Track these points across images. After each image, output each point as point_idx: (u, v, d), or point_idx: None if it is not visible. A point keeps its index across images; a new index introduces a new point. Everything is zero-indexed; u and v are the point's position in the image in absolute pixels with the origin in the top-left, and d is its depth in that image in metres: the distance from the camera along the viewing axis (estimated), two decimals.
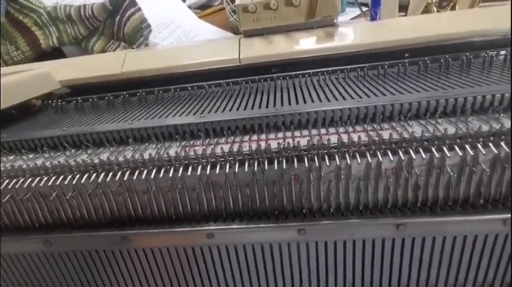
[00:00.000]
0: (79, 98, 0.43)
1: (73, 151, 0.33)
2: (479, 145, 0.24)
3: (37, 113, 0.43)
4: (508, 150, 0.24)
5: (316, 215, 0.28)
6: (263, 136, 0.31)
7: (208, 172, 0.27)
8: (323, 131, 0.30)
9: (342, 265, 0.29)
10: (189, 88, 0.43)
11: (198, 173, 0.27)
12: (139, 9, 0.76)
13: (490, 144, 0.24)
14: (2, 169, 0.29)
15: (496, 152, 0.24)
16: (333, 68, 0.44)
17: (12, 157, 0.33)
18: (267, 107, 0.34)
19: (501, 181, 0.25)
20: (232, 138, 0.31)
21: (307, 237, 0.27)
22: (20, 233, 0.30)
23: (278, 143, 0.27)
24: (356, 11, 0.73)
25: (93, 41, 0.78)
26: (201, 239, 0.28)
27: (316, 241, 0.28)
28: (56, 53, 0.78)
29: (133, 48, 0.73)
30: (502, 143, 0.24)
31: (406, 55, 0.44)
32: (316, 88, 0.39)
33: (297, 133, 0.30)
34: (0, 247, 0.31)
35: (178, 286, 0.32)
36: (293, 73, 0.45)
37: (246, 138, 0.30)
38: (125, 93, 0.44)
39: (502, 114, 0.27)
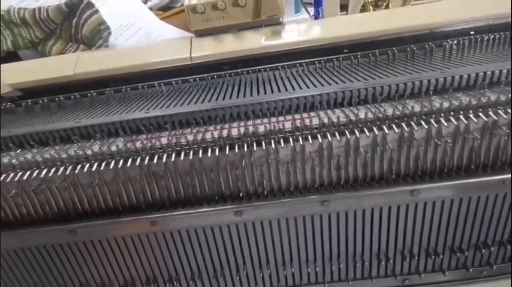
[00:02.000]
0: (29, 100, 0.44)
1: (18, 151, 0.34)
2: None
3: None
4: None
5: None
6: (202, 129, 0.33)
7: (147, 163, 0.29)
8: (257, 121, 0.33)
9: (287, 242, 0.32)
10: (140, 87, 0.45)
11: (138, 164, 0.29)
12: (96, 11, 0.76)
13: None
14: None
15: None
16: (279, 64, 0.47)
17: None
18: (216, 101, 0.36)
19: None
20: (174, 131, 0.33)
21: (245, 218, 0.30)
22: None
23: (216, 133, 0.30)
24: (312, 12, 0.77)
25: (50, 44, 0.78)
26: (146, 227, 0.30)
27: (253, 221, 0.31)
28: (11, 58, 0.76)
29: (92, 50, 0.73)
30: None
31: (345, 50, 0.48)
32: (265, 82, 0.41)
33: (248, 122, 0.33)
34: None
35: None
36: (243, 70, 0.47)
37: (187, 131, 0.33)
38: (76, 94, 0.45)
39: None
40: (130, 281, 0.34)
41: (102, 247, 0.32)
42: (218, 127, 0.33)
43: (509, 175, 0.28)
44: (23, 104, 0.44)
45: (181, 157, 0.29)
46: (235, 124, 0.33)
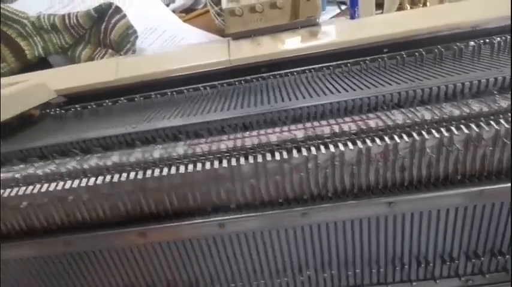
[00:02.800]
0: (77, 105, 0.44)
1: (81, 156, 0.34)
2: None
3: (37, 123, 0.44)
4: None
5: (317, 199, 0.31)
6: (262, 131, 0.33)
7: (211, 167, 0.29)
8: (316, 123, 0.33)
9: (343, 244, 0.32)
10: (185, 91, 0.45)
11: (206, 168, 0.29)
12: (124, 15, 0.77)
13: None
14: (18, 176, 0.30)
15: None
16: (319, 65, 0.47)
17: (22, 165, 0.34)
18: (262, 104, 0.37)
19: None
20: (234, 135, 0.33)
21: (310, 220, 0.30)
22: (38, 236, 0.31)
23: (277, 137, 0.30)
24: (335, 9, 0.77)
25: (80, 49, 0.79)
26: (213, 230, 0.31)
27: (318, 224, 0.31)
28: (42, 64, 0.77)
29: (120, 55, 0.74)
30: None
31: (385, 50, 0.48)
32: (305, 85, 0.42)
33: (292, 127, 0.33)
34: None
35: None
36: (282, 72, 0.48)
37: (246, 134, 0.33)
38: (122, 98, 0.45)
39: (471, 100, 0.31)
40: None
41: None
42: (277, 130, 0.33)
43: None
44: (72, 109, 0.44)
45: (247, 160, 0.29)
46: (294, 126, 0.33)
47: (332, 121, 0.33)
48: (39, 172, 0.31)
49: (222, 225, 0.30)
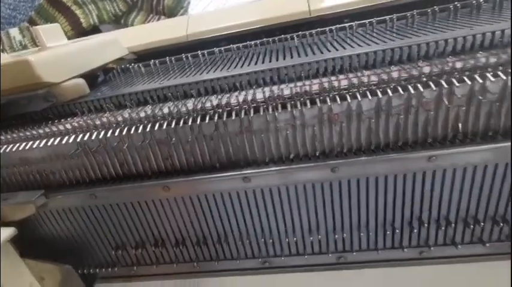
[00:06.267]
0: (152, 61, 0.43)
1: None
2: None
3: (114, 77, 0.44)
4: None
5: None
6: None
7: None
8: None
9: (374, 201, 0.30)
10: (251, 45, 0.42)
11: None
12: None
13: None
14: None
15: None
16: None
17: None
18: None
19: None
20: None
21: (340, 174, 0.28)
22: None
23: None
24: None
25: (133, 17, 0.78)
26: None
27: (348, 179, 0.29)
28: (95, 33, 0.77)
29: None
30: None
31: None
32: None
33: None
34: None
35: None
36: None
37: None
38: (195, 53, 0.43)
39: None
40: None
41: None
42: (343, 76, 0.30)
43: None
44: (148, 64, 0.43)
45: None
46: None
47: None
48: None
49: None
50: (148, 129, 0.29)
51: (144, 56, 0.49)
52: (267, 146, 0.29)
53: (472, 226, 0.30)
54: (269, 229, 0.33)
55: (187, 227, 0.34)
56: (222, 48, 0.42)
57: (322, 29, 0.41)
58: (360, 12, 0.45)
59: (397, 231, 0.31)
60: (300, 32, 0.41)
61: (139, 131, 0.29)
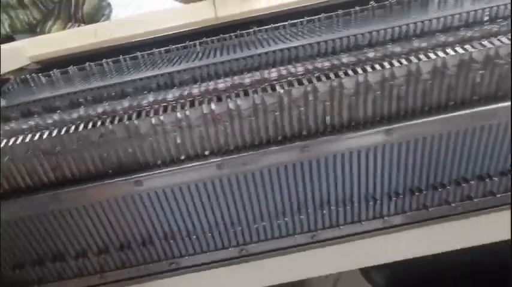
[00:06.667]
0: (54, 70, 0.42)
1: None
2: None
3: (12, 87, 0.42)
4: None
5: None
6: None
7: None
8: None
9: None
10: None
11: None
12: None
13: None
14: None
15: None
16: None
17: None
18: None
19: None
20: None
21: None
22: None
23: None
24: None
25: (49, 25, 0.74)
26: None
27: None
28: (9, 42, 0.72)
29: None
30: None
31: None
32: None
33: None
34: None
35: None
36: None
37: None
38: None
39: None
40: None
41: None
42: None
43: None
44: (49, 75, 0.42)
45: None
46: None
47: None
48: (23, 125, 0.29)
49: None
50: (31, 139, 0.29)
51: (50, 65, 0.47)
52: (157, 149, 0.30)
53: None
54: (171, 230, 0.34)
55: (86, 237, 0.33)
56: (127, 57, 0.43)
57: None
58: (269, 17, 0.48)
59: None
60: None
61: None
